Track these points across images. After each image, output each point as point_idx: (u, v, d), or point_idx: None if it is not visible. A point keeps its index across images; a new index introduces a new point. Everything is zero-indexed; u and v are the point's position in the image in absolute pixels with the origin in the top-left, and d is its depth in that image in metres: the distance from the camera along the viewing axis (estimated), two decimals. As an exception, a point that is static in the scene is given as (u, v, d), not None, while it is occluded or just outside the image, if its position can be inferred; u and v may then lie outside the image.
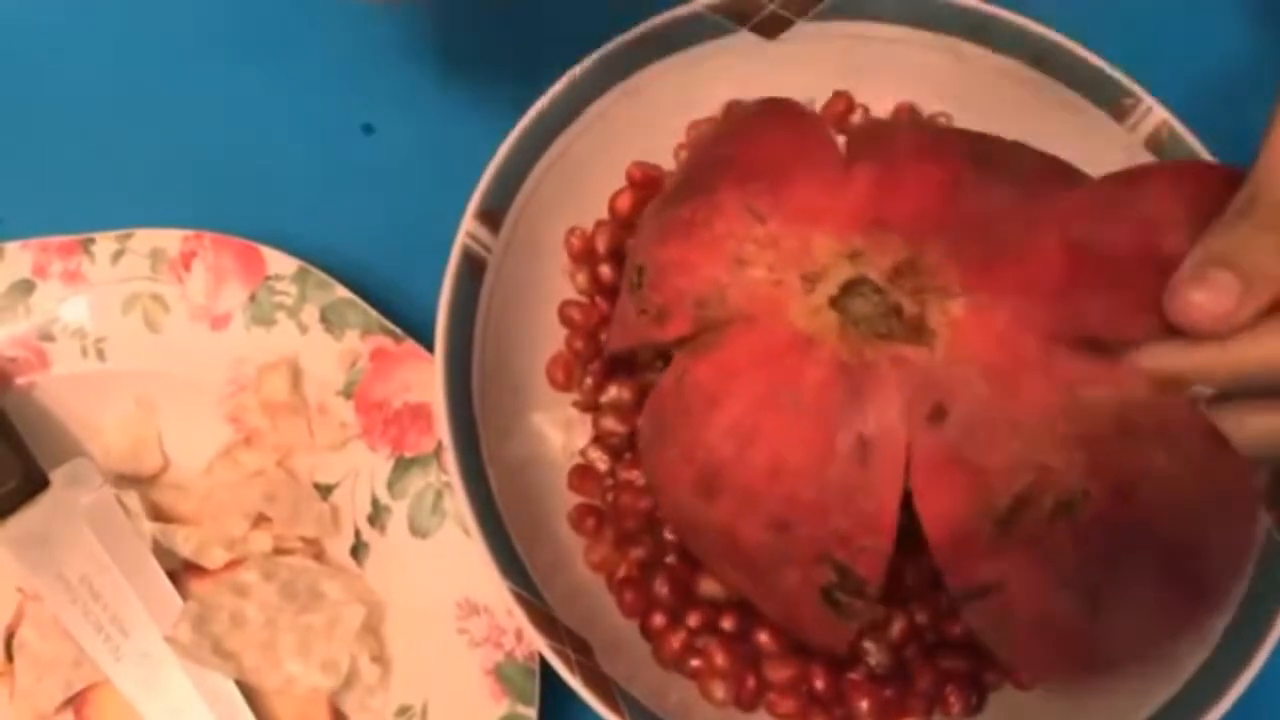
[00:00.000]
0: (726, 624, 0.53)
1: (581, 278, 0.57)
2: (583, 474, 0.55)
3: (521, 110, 0.55)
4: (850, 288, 0.46)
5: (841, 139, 0.51)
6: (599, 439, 0.56)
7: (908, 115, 0.60)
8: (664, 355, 0.55)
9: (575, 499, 0.55)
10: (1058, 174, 0.49)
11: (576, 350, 0.56)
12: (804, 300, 0.46)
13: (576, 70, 0.56)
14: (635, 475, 0.54)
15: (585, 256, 0.58)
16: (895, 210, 0.47)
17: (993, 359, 0.44)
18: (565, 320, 0.57)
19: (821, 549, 0.45)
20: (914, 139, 0.51)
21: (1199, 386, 0.44)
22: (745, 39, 0.59)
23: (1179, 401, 0.43)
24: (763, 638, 0.52)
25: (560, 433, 0.56)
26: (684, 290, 0.48)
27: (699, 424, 0.46)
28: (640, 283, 0.49)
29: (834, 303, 0.46)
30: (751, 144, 0.51)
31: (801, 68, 0.59)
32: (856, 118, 0.59)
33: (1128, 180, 0.48)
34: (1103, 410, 0.43)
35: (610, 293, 0.57)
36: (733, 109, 0.59)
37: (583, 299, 0.57)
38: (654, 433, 0.48)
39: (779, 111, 0.53)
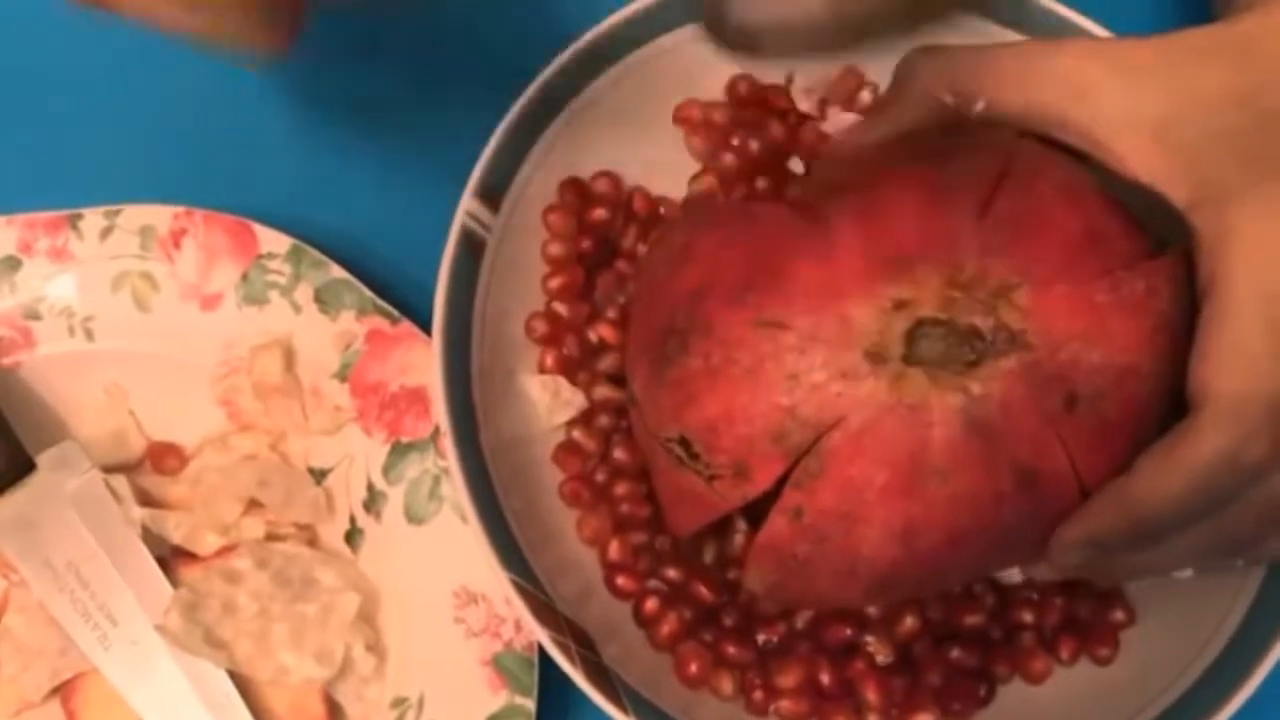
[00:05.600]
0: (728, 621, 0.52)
1: (556, 248, 0.56)
2: (569, 451, 0.54)
3: (522, 87, 0.54)
4: (915, 337, 0.44)
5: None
6: (592, 412, 0.54)
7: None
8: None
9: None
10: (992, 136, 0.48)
11: (563, 362, 0.55)
12: (881, 375, 0.43)
13: (577, 45, 0.55)
14: (626, 457, 0.53)
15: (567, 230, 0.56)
16: (900, 240, 0.44)
17: (1082, 324, 0.43)
18: (535, 336, 0.55)
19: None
20: (861, 165, 0.48)
21: None
22: (752, 13, 0.57)
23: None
24: (763, 635, 0.52)
25: (551, 401, 0.55)
26: (750, 436, 0.44)
27: (849, 545, 0.44)
28: (693, 453, 0.45)
29: (908, 359, 0.43)
30: (710, 264, 0.47)
31: (809, 43, 0.58)
32: (865, 95, 0.58)
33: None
34: (1181, 298, 0.44)
35: (587, 262, 0.56)
36: (651, 253, 0.53)
37: (541, 309, 0.55)
38: (786, 575, 0.46)
39: (708, 220, 0.49)
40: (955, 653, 0.52)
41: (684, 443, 0.46)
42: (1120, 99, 0.44)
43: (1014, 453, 0.43)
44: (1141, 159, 0.44)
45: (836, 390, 0.43)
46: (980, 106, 0.46)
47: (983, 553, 0.45)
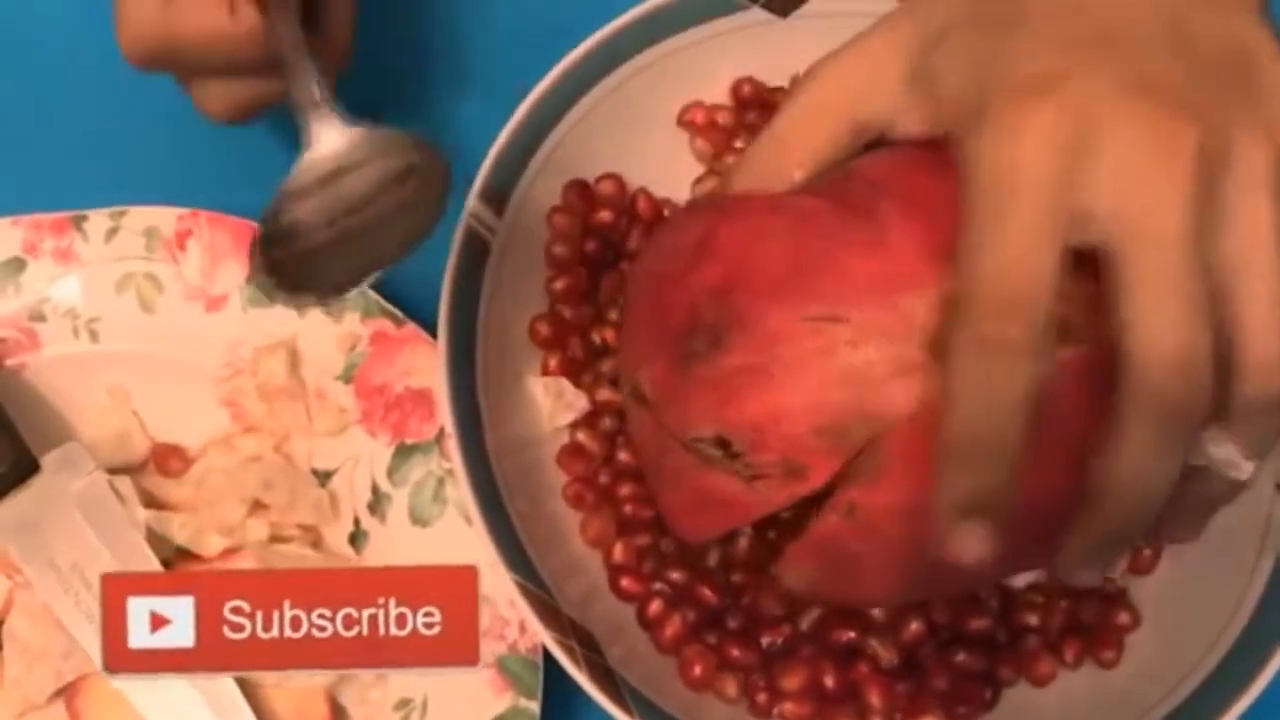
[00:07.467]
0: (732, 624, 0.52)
1: (560, 250, 0.56)
2: (573, 453, 0.54)
3: (526, 89, 0.54)
4: None
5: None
6: (596, 414, 0.54)
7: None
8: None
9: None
10: None
11: (566, 365, 0.55)
12: (939, 367, 0.42)
13: (582, 48, 0.55)
14: (630, 460, 0.53)
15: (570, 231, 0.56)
16: (951, 230, 0.42)
17: None
18: (539, 338, 0.55)
19: None
20: (891, 158, 0.47)
21: None
22: (757, 16, 0.57)
23: None
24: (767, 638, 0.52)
25: (554, 404, 0.55)
26: (804, 433, 0.43)
27: (909, 541, 0.43)
28: (733, 453, 0.44)
29: None
30: (738, 257, 0.45)
31: (814, 47, 0.57)
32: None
33: None
34: None
35: (591, 264, 0.55)
36: (654, 247, 0.52)
37: (545, 311, 0.55)
38: (830, 573, 0.45)
39: (730, 212, 0.48)
40: (960, 656, 0.51)
41: (721, 442, 0.45)
42: (879, 70, 0.46)
43: (1067, 442, 0.42)
44: (912, 120, 0.45)
45: (896, 385, 0.42)
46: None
47: (1022, 546, 0.43)
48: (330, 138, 0.47)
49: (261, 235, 0.47)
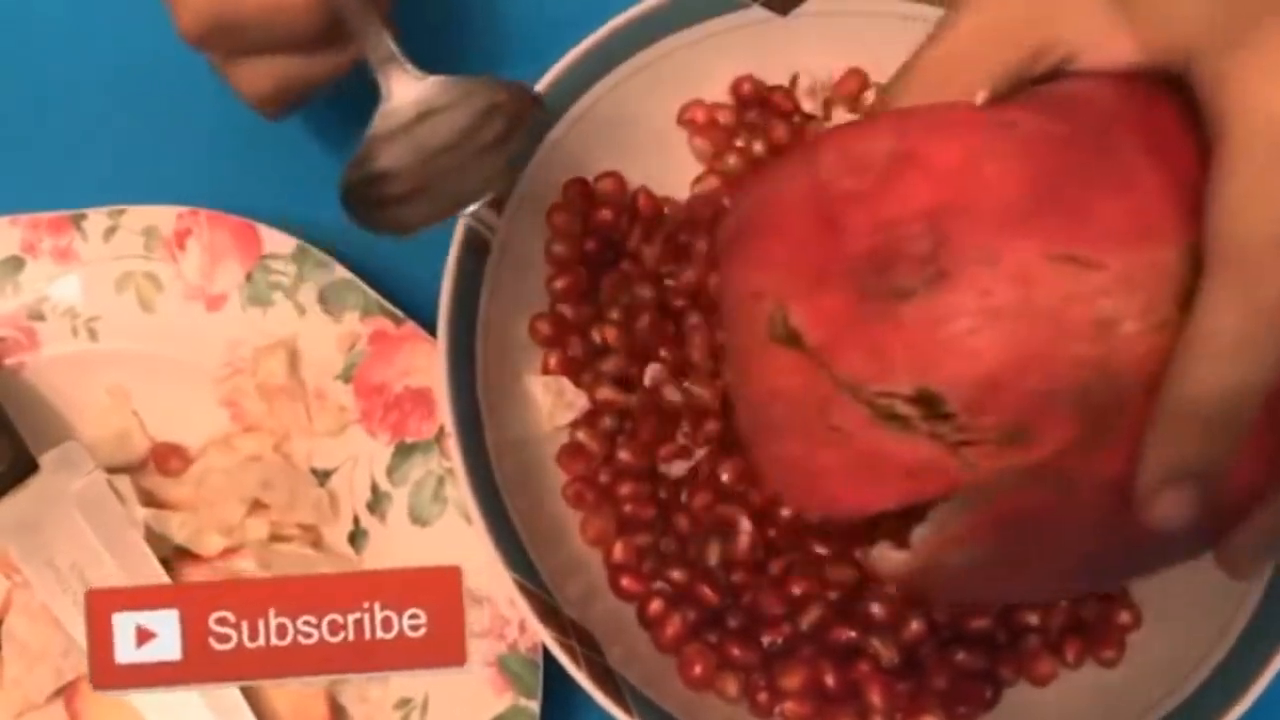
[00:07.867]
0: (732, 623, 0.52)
1: (560, 249, 0.56)
2: (573, 453, 0.54)
3: (527, 87, 0.54)
4: None
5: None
6: (596, 413, 0.54)
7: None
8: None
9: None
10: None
11: (566, 364, 0.55)
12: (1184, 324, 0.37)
13: (581, 48, 0.54)
14: (630, 458, 0.53)
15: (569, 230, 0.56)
16: (1195, 175, 0.37)
17: None
18: (539, 337, 0.55)
19: None
20: (1096, 87, 0.40)
21: None
22: (757, 14, 0.57)
23: None
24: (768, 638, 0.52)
25: (554, 403, 0.55)
26: (1043, 392, 0.36)
27: (1112, 522, 0.38)
28: (941, 412, 0.37)
29: None
30: (958, 178, 0.38)
31: (814, 45, 0.58)
32: (869, 96, 0.58)
33: None
34: None
35: (591, 263, 0.55)
36: (812, 158, 0.42)
37: (546, 310, 0.55)
38: (1006, 553, 0.40)
39: (932, 124, 0.40)
40: (960, 655, 0.51)
41: (925, 399, 0.37)
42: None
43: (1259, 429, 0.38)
44: (1117, 47, 0.40)
45: (1146, 344, 0.37)
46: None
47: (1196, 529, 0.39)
48: (406, 88, 0.49)
49: (348, 182, 0.48)
